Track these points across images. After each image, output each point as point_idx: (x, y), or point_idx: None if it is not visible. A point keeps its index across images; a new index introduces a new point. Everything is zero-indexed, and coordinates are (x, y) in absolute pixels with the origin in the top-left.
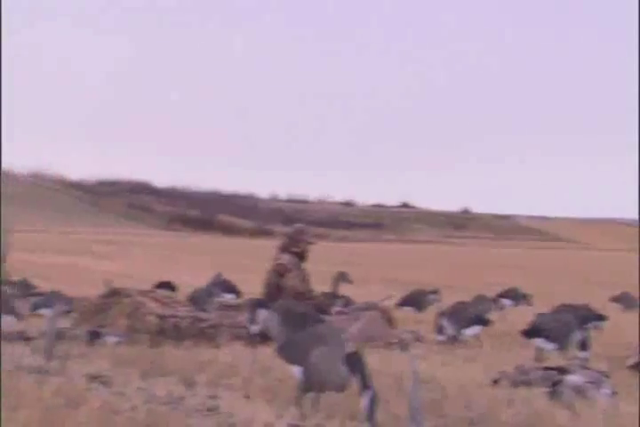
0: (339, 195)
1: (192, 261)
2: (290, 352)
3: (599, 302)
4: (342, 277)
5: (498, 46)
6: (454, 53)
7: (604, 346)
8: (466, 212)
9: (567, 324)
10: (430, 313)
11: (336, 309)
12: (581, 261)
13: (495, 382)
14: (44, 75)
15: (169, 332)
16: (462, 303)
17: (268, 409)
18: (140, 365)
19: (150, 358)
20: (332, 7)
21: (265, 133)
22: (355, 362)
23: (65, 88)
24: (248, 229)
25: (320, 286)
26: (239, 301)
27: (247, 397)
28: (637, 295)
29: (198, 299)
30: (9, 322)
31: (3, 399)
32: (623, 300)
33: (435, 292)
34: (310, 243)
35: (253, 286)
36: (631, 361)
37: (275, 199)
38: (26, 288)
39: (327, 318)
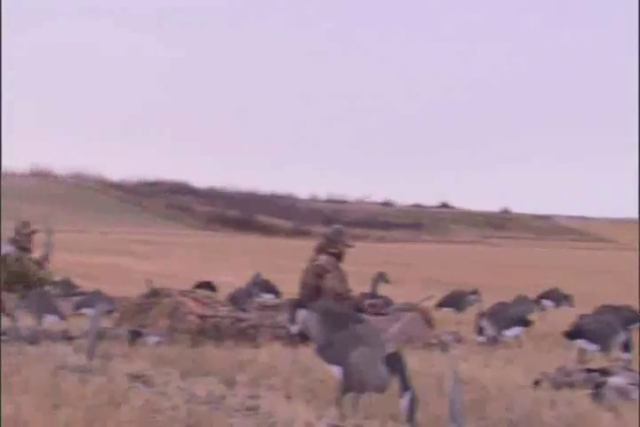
0: (378, 195)
1: (231, 261)
2: (330, 352)
3: None
4: (381, 278)
5: (529, 45)
6: (491, 52)
7: None
8: (505, 212)
9: (610, 325)
10: (470, 314)
11: (368, 302)
12: (621, 262)
13: (536, 383)
14: (88, 75)
15: (209, 332)
16: (503, 304)
17: (309, 409)
18: (180, 364)
19: (191, 357)
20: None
21: (304, 133)
22: (395, 362)
23: (107, 89)
24: (286, 230)
25: (359, 286)
26: (278, 301)
27: (287, 397)
28: None
29: (238, 299)
30: (52, 321)
31: (46, 398)
32: None
33: (475, 292)
34: (348, 245)
35: (292, 286)
36: None
37: (313, 199)
38: (68, 288)
39: (367, 318)
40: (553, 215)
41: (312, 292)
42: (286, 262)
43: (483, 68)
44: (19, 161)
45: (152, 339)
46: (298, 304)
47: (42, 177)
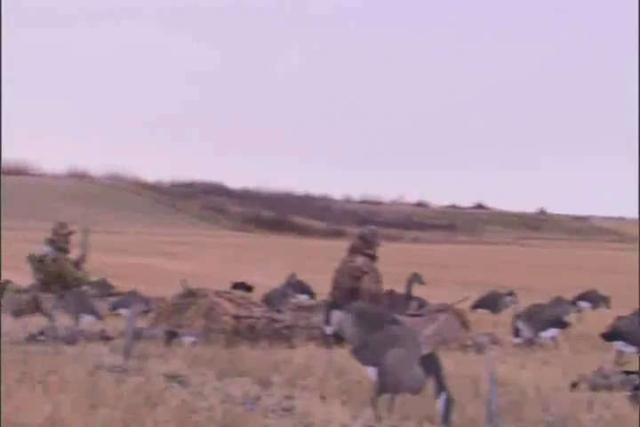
0: (412, 196)
1: (265, 262)
2: (365, 354)
3: None
4: (416, 279)
5: (568, 47)
6: (530, 51)
7: None
8: (541, 213)
9: None
10: (506, 315)
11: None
12: None
13: (574, 385)
14: (125, 76)
15: (244, 332)
16: (539, 306)
17: (344, 410)
18: (216, 365)
19: (226, 358)
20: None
21: (338, 134)
22: (430, 364)
23: (143, 90)
24: (321, 230)
25: (393, 287)
26: (313, 302)
27: (323, 397)
28: None
29: (273, 300)
30: (89, 322)
31: (84, 398)
32: None
33: (511, 294)
34: (378, 245)
35: (326, 287)
36: None
37: (348, 200)
38: (104, 288)
39: (402, 319)
40: (589, 216)
41: (346, 293)
42: (321, 263)
43: (519, 67)
44: (56, 162)
45: (188, 339)
46: (333, 305)
47: (78, 178)
